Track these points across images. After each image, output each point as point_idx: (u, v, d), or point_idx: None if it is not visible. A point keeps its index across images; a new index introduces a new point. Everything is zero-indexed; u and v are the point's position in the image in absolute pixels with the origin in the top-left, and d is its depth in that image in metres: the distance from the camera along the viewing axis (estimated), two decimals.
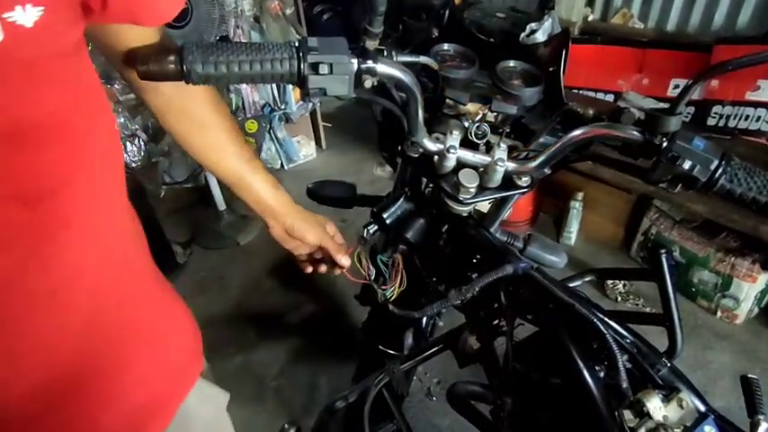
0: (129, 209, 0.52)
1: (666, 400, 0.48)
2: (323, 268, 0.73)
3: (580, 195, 1.91)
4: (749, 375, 0.54)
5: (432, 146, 0.58)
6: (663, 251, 0.68)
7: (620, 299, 1.74)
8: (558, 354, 0.52)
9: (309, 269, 0.74)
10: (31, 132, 0.38)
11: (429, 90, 0.62)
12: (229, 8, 1.92)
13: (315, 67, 0.42)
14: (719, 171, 0.48)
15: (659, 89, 1.73)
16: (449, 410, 0.70)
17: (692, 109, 1.68)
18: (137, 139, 1.88)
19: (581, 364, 0.49)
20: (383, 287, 0.67)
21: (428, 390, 1.43)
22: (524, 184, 0.60)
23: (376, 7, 0.42)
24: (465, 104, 0.64)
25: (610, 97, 1.83)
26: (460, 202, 0.59)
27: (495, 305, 0.62)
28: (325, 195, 0.88)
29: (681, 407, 0.48)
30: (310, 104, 2.43)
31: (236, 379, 1.50)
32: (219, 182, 2.25)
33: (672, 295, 0.68)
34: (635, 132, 0.51)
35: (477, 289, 0.57)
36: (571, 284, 0.70)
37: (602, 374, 0.51)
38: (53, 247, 0.41)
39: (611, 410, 0.48)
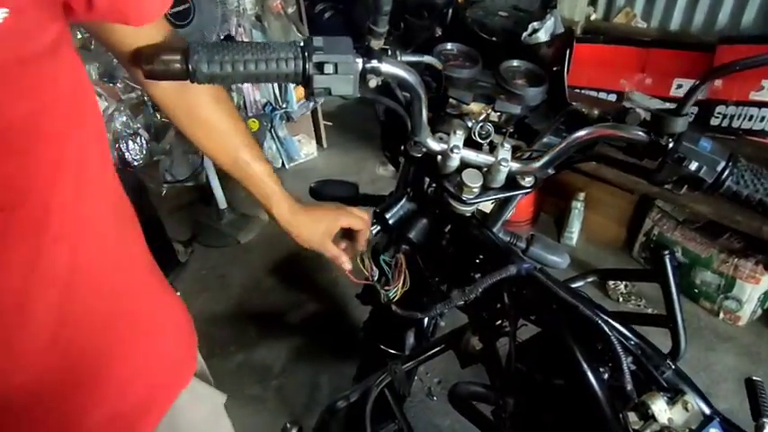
0: (122, 200, 0.52)
1: (671, 402, 0.48)
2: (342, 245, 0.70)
3: (582, 195, 1.90)
4: (754, 378, 0.54)
5: (435, 145, 0.58)
6: (666, 252, 0.68)
7: (621, 300, 1.74)
8: (562, 355, 0.52)
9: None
10: (2, 137, 0.37)
11: (432, 90, 0.62)
12: (231, 7, 1.92)
13: (320, 67, 0.42)
14: (726, 172, 0.48)
15: (662, 89, 1.73)
16: (450, 410, 0.70)
17: (695, 109, 1.68)
18: (139, 138, 1.88)
19: (585, 366, 0.49)
20: (386, 288, 0.67)
21: (429, 390, 1.43)
22: (528, 185, 0.60)
23: (381, 7, 0.42)
24: (468, 104, 0.64)
25: (612, 97, 1.82)
26: (464, 202, 0.59)
27: (498, 306, 0.62)
28: (328, 194, 0.88)
29: (686, 409, 0.48)
30: (311, 103, 2.43)
31: (236, 377, 1.50)
32: (220, 181, 2.23)
33: (675, 296, 0.68)
34: (640, 133, 0.51)
35: (480, 289, 0.57)
36: (573, 285, 0.69)
37: (605, 376, 0.51)
38: (38, 247, 0.41)
39: (615, 412, 0.47)
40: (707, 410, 0.50)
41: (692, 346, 1.53)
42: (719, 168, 0.48)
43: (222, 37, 1.84)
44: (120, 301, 0.51)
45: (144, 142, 1.88)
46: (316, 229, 0.65)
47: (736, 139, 1.61)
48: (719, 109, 1.61)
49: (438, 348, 0.74)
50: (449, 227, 0.70)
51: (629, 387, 0.48)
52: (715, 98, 1.60)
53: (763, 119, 1.58)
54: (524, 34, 0.92)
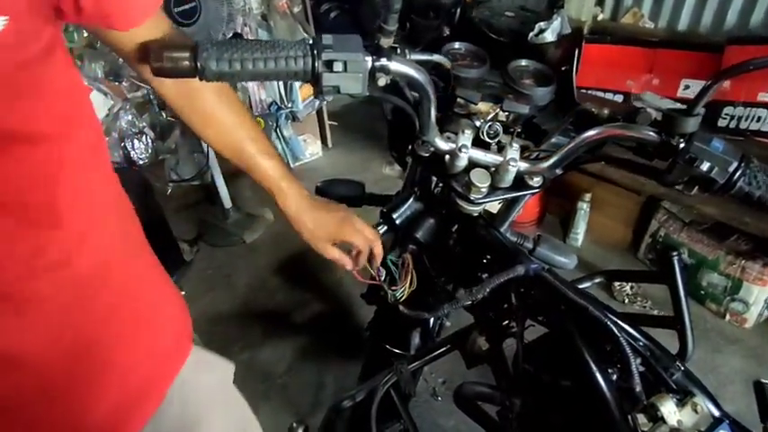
0: (122, 196, 0.54)
1: (680, 404, 0.47)
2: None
3: (588, 196, 1.89)
4: (762, 381, 0.53)
5: (443, 145, 0.57)
6: (674, 253, 0.67)
7: (627, 301, 1.73)
8: (570, 356, 0.51)
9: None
10: (4, 142, 0.38)
11: (440, 89, 0.62)
12: (237, 6, 1.92)
13: (329, 65, 0.42)
14: (738, 173, 0.48)
15: (669, 90, 1.71)
16: (454, 411, 0.70)
17: (701, 110, 1.65)
18: (144, 137, 1.89)
19: (593, 367, 0.49)
20: (393, 288, 0.67)
21: (433, 390, 1.42)
22: (536, 185, 0.59)
23: (392, 5, 0.42)
24: (476, 104, 0.64)
25: (619, 98, 1.81)
26: (471, 202, 0.59)
27: (506, 306, 0.62)
28: (334, 194, 0.88)
29: (695, 411, 0.47)
30: (317, 103, 2.43)
31: (241, 376, 1.49)
32: (226, 180, 2.23)
33: (683, 298, 0.67)
34: (651, 133, 0.50)
35: (488, 289, 0.57)
36: (580, 286, 0.69)
37: (614, 377, 0.51)
38: (44, 241, 0.42)
39: (623, 414, 0.47)
40: (716, 413, 0.50)
41: (698, 348, 1.52)
42: (731, 169, 0.48)
43: (230, 35, 1.84)
44: (124, 292, 0.52)
45: (149, 141, 1.89)
46: (318, 233, 0.65)
47: (744, 140, 1.59)
48: (727, 110, 1.59)
49: (444, 348, 0.74)
50: (456, 227, 0.70)
51: (638, 388, 0.48)
52: (723, 99, 1.58)
53: None
54: (531, 34, 0.92)
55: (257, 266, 1.94)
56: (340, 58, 0.42)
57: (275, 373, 1.54)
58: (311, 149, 2.60)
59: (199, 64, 0.41)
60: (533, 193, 0.61)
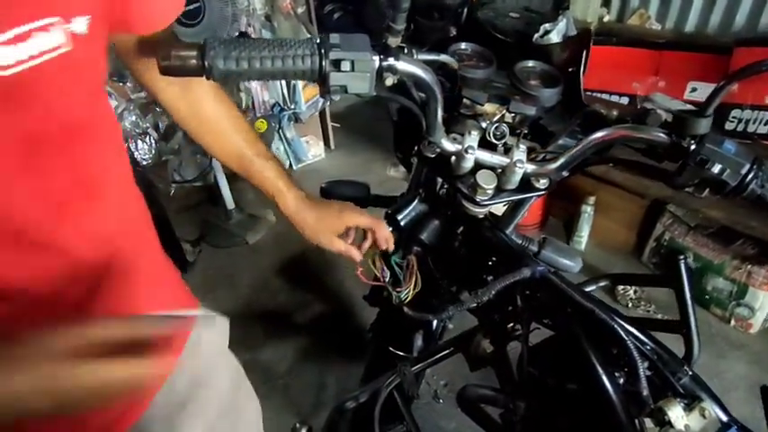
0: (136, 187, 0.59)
1: (688, 409, 0.47)
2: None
3: (592, 199, 1.88)
4: None
5: (450, 146, 0.57)
6: (681, 257, 0.67)
7: (630, 305, 1.72)
8: (576, 359, 0.51)
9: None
10: (81, 128, 0.45)
11: (446, 89, 0.62)
12: (242, 6, 1.93)
13: (336, 64, 0.42)
14: (750, 176, 0.47)
15: (676, 92, 1.70)
16: (455, 413, 0.69)
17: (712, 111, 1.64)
18: (148, 137, 1.89)
19: (600, 370, 0.48)
20: (398, 289, 0.67)
21: (435, 392, 1.41)
22: (542, 187, 0.59)
23: (400, 4, 0.41)
24: (482, 104, 0.63)
25: (624, 100, 1.80)
26: (477, 204, 0.58)
27: (511, 308, 0.62)
28: (339, 195, 0.88)
29: (703, 416, 0.47)
30: (320, 104, 2.43)
31: None
32: (228, 181, 2.24)
33: (690, 302, 0.67)
34: (661, 134, 0.50)
35: (493, 292, 0.56)
36: (584, 289, 0.68)
37: (621, 381, 0.50)
38: (92, 205, 0.48)
39: (630, 418, 0.47)
40: (724, 418, 0.49)
41: (702, 353, 1.51)
42: (744, 171, 0.47)
43: (237, 34, 1.85)
44: (143, 250, 0.57)
45: (153, 142, 1.90)
46: (320, 226, 0.66)
47: (752, 143, 1.59)
48: (735, 113, 1.58)
49: (447, 351, 0.74)
50: (461, 229, 0.69)
51: (645, 392, 0.48)
52: (730, 102, 1.57)
53: None
54: (536, 35, 0.92)
55: (259, 267, 1.94)
56: (348, 58, 0.42)
57: (277, 373, 1.54)
58: (314, 151, 2.60)
59: (206, 62, 0.41)
60: (540, 196, 0.61)
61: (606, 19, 1.94)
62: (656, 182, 0.56)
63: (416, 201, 0.71)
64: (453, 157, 0.59)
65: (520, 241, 0.73)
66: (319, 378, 1.52)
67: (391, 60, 0.45)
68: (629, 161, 0.58)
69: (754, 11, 1.66)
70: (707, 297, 1.68)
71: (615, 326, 0.50)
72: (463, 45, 0.68)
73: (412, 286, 0.67)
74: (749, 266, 1.55)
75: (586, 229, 1.94)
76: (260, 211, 2.13)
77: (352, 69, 0.42)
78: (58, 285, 0.45)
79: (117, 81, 1.75)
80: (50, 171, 0.42)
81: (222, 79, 0.43)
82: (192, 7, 1.60)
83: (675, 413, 0.45)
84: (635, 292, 1.74)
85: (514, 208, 0.72)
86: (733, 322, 1.64)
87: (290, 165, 2.52)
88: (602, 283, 0.81)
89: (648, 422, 0.46)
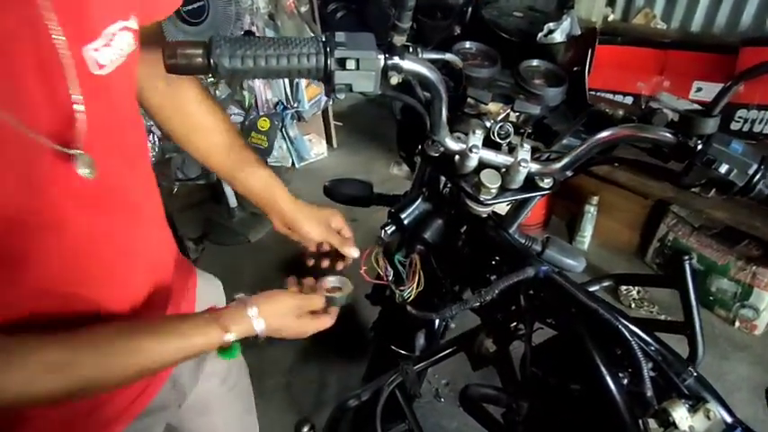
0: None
1: (692, 410, 0.47)
2: (325, 263, 0.74)
3: (595, 199, 1.88)
4: None
5: (454, 145, 0.57)
6: (686, 258, 0.66)
7: (633, 306, 1.71)
8: (580, 359, 0.51)
9: (310, 262, 0.75)
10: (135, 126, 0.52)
11: (451, 89, 0.61)
12: (245, 5, 1.93)
13: (341, 63, 0.42)
14: (758, 176, 0.47)
15: (681, 92, 1.69)
16: (457, 412, 0.70)
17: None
18: (151, 135, 1.89)
19: (604, 371, 0.48)
20: (401, 288, 0.67)
21: (436, 391, 1.42)
22: (547, 186, 0.59)
23: (405, 2, 0.41)
24: (487, 104, 0.63)
25: (628, 100, 1.79)
26: (481, 203, 0.58)
27: (514, 308, 0.61)
28: (342, 194, 0.88)
29: (708, 417, 0.47)
30: (322, 103, 2.43)
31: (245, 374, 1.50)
32: None
33: (694, 303, 0.67)
34: (668, 134, 0.49)
35: (497, 291, 0.56)
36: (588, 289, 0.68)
37: (625, 381, 0.50)
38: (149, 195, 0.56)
39: (634, 419, 0.46)
40: (729, 419, 0.49)
41: (705, 354, 1.50)
42: (751, 171, 0.47)
43: (243, 33, 1.85)
44: (158, 217, 0.61)
45: (156, 140, 1.90)
46: (315, 222, 0.69)
47: (758, 143, 1.58)
48: (741, 113, 1.57)
49: (450, 350, 0.74)
50: (464, 228, 0.69)
51: (650, 393, 0.47)
52: (736, 102, 1.56)
53: None
54: (540, 35, 0.91)
55: (262, 266, 1.94)
56: (353, 56, 0.42)
57: (278, 371, 1.54)
58: (316, 149, 2.60)
59: (212, 60, 0.41)
60: (544, 195, 0.61)
61: (611, 18, 1.93)
62: (659, 182, 0.56)
63: (420, 200, 0.71)
64: (457, 156, 0.58)
65: (523, 241, 0.73)
66: (321, 376, 1.53)
67: (396, 59, 0.44)
68: (635, 161, 0.58)
69: (761, 10, 1.64)
70: (711, 298, 1.67)
71: (619, 326, 0.50)
72: (468, 44, 0.68)
73: (415, 285, 0.66)
74: (754, 267, 1.54)
75: (589, 229, 1.94)
76: None
77: (358, 68, 0.42)
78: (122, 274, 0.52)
79: None
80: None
81: (227, 77, 0.43)
82: (195, 6, 1.60)
83: (680, 414, 0.45)
84: (638, 292, 1.74)
85: (518, 207, 0.72)
86: (737, 323, 1.64)
87: (293, 163, 2.52)
88: (605, 284, 0.80)
89: (652, 423, 0.45)
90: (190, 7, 1.58)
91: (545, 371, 0.57)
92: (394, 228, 0.70)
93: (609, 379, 0.48)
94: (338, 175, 1.86)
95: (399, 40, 0.44)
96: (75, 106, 0.39)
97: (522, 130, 0.63)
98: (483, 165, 0.58)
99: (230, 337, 0.52)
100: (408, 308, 0.66)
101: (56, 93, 0.38)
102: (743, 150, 0.47)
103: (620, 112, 0.55)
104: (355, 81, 0.43)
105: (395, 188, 0.94)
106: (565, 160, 0.57)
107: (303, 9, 2.17)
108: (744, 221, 1.52)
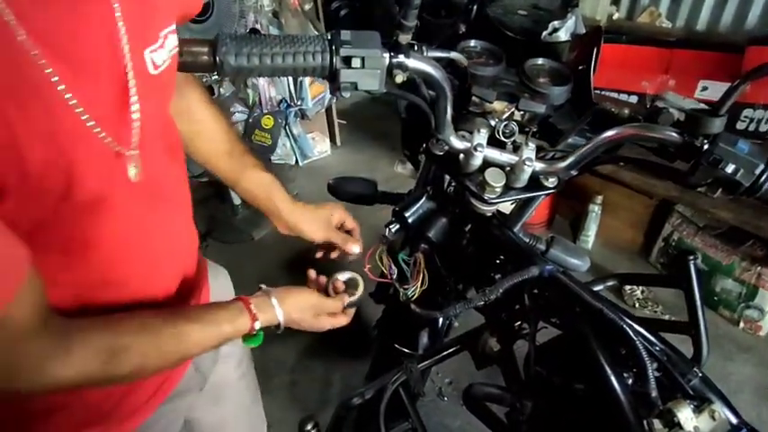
0: None
1: (697, 410, 0.46)
2: (334, 254, 0.75)
3: (599, 199, 1.87)
4: None
5: (458, 144, 0.57)
6: (691, 258, 0.66)
7: (637, 305, 1.71)
8: (584, 358, 0.51)
9: (319, 255, 0.76)
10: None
11: (455, 87, 0.61)
12: (249, 3, 1.93)
13: (347, 61, 0.42)
14: (765, 176, 0.46)
15: (686, 91, 1.68)
16: (460, 411, 0.69)
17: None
18: None
19: (608, 370, 0.48)
20: (405, 286, 0.67)
21: (440, 390, 1.41)
22: (551, 185, 0.59)
23: (411, 0, 0.41)
24: (491, 102, 0.63)
25: (633, 99, 1.78)
26: (485, 202, 0.58)
27: (518, 307, 0.61)
28: (346, 191, 0.88)
29: (713, 418, 0.46)
30: (326, 101, 2.43)
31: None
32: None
33: (699, 303, 0.66)
34: (673, 133, 0.49)
35: (501, 290, 0.56)
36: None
37: (629, 381, 0.50)
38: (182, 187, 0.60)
39: (638, 419, 0.46)
40: (734, 420, 0.49)
41: (709, 355, 1.50)
42: (758, 171, 0.46)
43: (248, 30, 1.85)
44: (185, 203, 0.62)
45: None
46: (315, 223, 0.70)
47: (764, 143, 1.56)
48: (746, 112, 1.56)
49: (454, 348, 0.74)
50: (469, 226, 0.69)
51: (654, 393, 0.47)
52: (742, 101, 1.55)
53: None
54: (544, 33, 0.91)
55: (265, 263, 1.94)
56: (358, 55, 0.42)
57: (283, 370, 1.55)
58: (320, 147, 2.60)
59: (218, 58, 0.41)
60: (548, 194, 0.61)
61: (616, 17, 1.92)
62: (663, 181, 0.55)
63: (424, 198, 0.71)
64: (462, 155, 0.58)
65: (527, 240, 0.73)
66: (325, 374, 1.53)
67: (402, 57, 0.44)
68: (640, 160, 0.57)
69: (767, 9, 1.63)
70: (715, 298, 1.66)
71: (624, 326, 0.49)
72: (472, 42, 0.67)
73: (419, 284, 0.67)
74: (759, 268, 1.54)
75: (593, 229, 1.93)
76: None
77: (363, 66, 0.42)
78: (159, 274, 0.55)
79: None
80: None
81: (233, 75, 0.43)
82: None
83: (685, 415, 0.45)
84: (642, 292, 1.73)
85: (522, 206, 0.72)
86: (742, 324, 1.63)
87: (297, 161, 2.52)
88: (609, 283, 0.80)
89: (657, 423, 0.45)
90: None
91: (549, 370, 0.57)
92: (398, 226, 0.70)
93: (613, 379, 0.48)
94: (342, 173, 1.86)
95: (404, 38, 0.44)
96: (132, 107, 0.41)
97: (526, 129, 0.63)
98: (487, 163, 0.58)
99: (258, 324, 0.55)
100: (412, 306, 0.67)
101: (121, 94, 0.40)
102: (749, 150, 0.47)
103: (626, 111, 0.55)
104: (361, 79, 0.43)
105: (399, 186, 0.94)
106: (570, 159, 0.56)
107: (307, 7, 2.17)
108: (749, 221, 1.51)
